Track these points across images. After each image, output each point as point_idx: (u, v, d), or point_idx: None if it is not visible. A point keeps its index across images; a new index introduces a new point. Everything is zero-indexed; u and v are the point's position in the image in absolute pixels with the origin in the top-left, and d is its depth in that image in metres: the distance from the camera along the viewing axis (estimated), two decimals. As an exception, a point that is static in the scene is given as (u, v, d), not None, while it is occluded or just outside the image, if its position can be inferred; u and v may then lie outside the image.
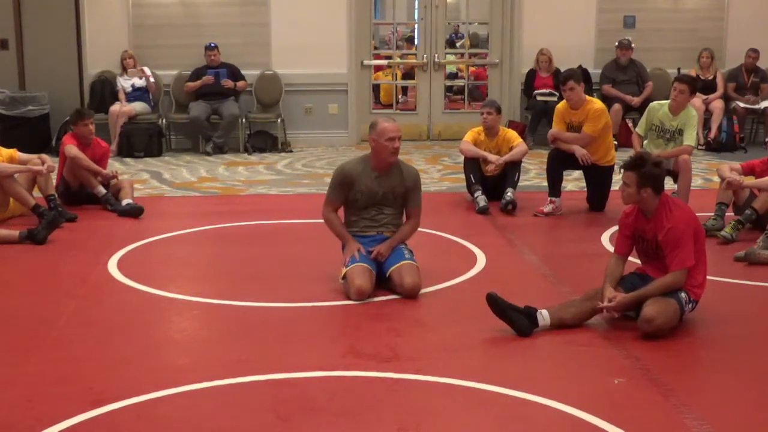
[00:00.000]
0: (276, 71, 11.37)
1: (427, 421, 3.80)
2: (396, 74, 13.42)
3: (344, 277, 5.40)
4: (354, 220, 5.68)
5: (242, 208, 8.03)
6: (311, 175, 9.54)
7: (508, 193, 7.69)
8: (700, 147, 11.06)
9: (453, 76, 14.43)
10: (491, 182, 7.94)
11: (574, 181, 8.71)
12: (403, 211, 5.72)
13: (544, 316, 4.77)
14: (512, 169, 7.88)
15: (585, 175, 7.89)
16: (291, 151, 11.14)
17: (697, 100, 11.33)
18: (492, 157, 7.88)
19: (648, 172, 4.78)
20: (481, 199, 7.71)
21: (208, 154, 10.84)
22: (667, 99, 7.52)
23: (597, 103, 7.80)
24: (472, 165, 7.94)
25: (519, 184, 8.07)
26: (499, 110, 8.04)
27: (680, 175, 7.27)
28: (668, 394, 4.03)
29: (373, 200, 5.60)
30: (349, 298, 5.30)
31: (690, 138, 7.28)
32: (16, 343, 4.69)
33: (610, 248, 6.21)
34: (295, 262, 6.19)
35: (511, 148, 7.94)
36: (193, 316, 5.18)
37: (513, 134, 8.17)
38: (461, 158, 8.16)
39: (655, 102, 7.65)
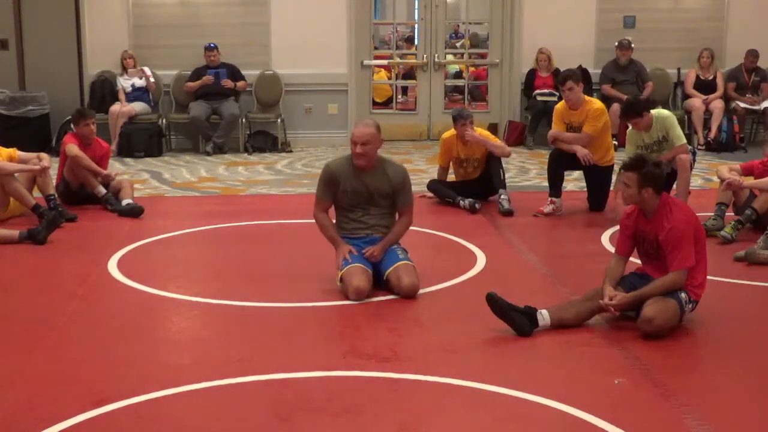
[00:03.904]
0: (276, 71, 11.37)
1: (427, 420, 3.80)
2: (396, 75, 13.41)
3: (341, 281, 5.40)
4: (343, 221, 5.67)
5: (242, 208, 8.03)
6: (311, 175, 9.52)
7: (503, 197, 7.66)
8: (700, 147, 11.06)
9: (458, 75, 14.42)
10: (475, 186, 7.94)
11: (574, 181, 8.70)
12: (394, 211, 5.70)
13: (544, 316, 4.77)
14: (495, 167, 7.85)
15: (585, 175, 7.89)
16: (291, 151, 11.14)
17: (697, 100, 11.35)
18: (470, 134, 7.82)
19: (648, 173, 4.78)
20: (465, 202, 7.71)
21: (208, 154, 10.84)
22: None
23: (596, 103, 7.80)
24: (439, 186, 8.03)
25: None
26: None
27: (678, 174, 7.25)
28: (668, 394, 4.03)
29: (359, 199, 5.58)
30: (348, 299, 5.31)
31: (678, 138, 7.18)
32: (17, 343, 4.69)
33: (610, 248, 6.21)
34: (295, 262, 6.19)
35: (486, 150, 7.89)
36: (193, 316, 5.17)
37: (486, 133, 8.15)
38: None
39: (630, 129, 7.37)
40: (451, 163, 8.13)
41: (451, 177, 8.23)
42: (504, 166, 8.06)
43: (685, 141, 7.26)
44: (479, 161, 7.94)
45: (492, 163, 7.87)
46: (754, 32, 11.69)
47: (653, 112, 7.21)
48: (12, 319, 5.06)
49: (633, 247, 5.02)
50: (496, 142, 8.06)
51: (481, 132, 8.04)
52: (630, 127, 7.31)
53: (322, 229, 5.68)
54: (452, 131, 8.02)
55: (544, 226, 7.41)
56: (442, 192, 8.02)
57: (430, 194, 8.20)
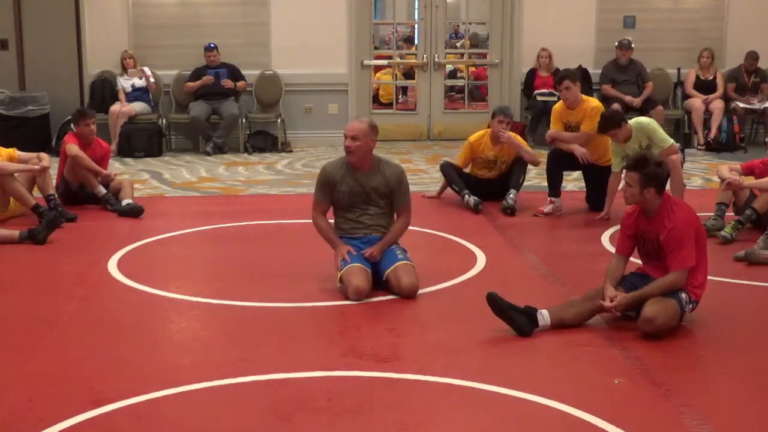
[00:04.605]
0: (276, 71, 11.37)
1: (427, 420, 3.81)
2: (396, 74, 13.41)
3: (341, 281, 5.40)
4: (341, 222, 5.67)
5: (242, 208, 8.03)
6: (311, 175, 9.51)
7: (510, 195, 7.67)
8: (700, 147, 11.08)
9: (453, 73, 14.41)
10: (488, 187, 7.92)
11: (574, 181, 8.71)
12: (392, 211, 5.69)
13: (544, 316, 4.77)
14: (519, 169, 7.86)
15: (584, 174, 7.89)
16: (291, 151, 11.14)
17: (697, 100, 11.35)
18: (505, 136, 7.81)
19: (651, 172, 4.78)
20: (471, 199, 7.70)
21: (208, 154, 10.84)
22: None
23: (593, 102, 7.81)
24: (452, 172, 7.99)
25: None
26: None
27: (671, 174, 7.21)
28: (668, 394, 4.03)
29: (356, 199, 5.58)
30: (348, 299, 5.30)
31: (664, 140, 7.13)
32: (17, 343, 4.69)
33: (610, 248, 6.21)
34: (295, 262, 6.19)
35: (516, 154, 7.89)
36: (193, 316, 5.17)
37: (519, 138, 8.13)
38: (461, 158, 8.17)
39: (611, 142, 7.38)
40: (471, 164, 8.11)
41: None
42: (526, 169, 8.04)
43: (671, 142, 7.23)
44: (506, 164, 7.94)
45: (518, 164, 7.86)
46: (754, 32, 11.69)
47: (631, 122, 7.18)
48: (12, 319, 5.06)
49: (634, 247, 5.01)
50: (528, 148, 8.04)
51: (515, 136, 8.05)
52: (611, 144, 7.28)
53: (320, 231, 5.68)
54: (481, 133, 8.03)
55: (544, 226, 7.41)
56: (453, 179, 7.98)
57: (430, 194, 8.22)
